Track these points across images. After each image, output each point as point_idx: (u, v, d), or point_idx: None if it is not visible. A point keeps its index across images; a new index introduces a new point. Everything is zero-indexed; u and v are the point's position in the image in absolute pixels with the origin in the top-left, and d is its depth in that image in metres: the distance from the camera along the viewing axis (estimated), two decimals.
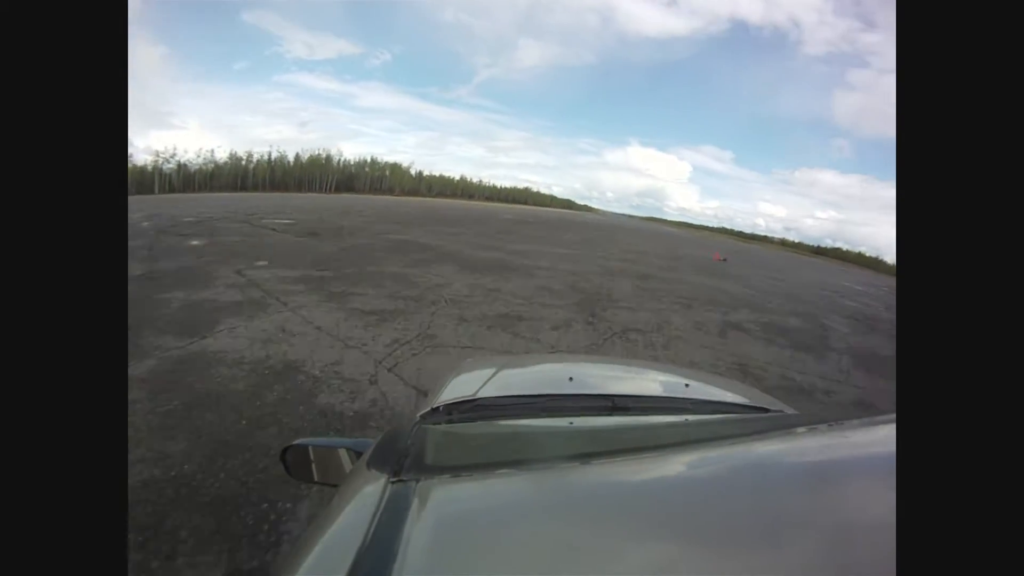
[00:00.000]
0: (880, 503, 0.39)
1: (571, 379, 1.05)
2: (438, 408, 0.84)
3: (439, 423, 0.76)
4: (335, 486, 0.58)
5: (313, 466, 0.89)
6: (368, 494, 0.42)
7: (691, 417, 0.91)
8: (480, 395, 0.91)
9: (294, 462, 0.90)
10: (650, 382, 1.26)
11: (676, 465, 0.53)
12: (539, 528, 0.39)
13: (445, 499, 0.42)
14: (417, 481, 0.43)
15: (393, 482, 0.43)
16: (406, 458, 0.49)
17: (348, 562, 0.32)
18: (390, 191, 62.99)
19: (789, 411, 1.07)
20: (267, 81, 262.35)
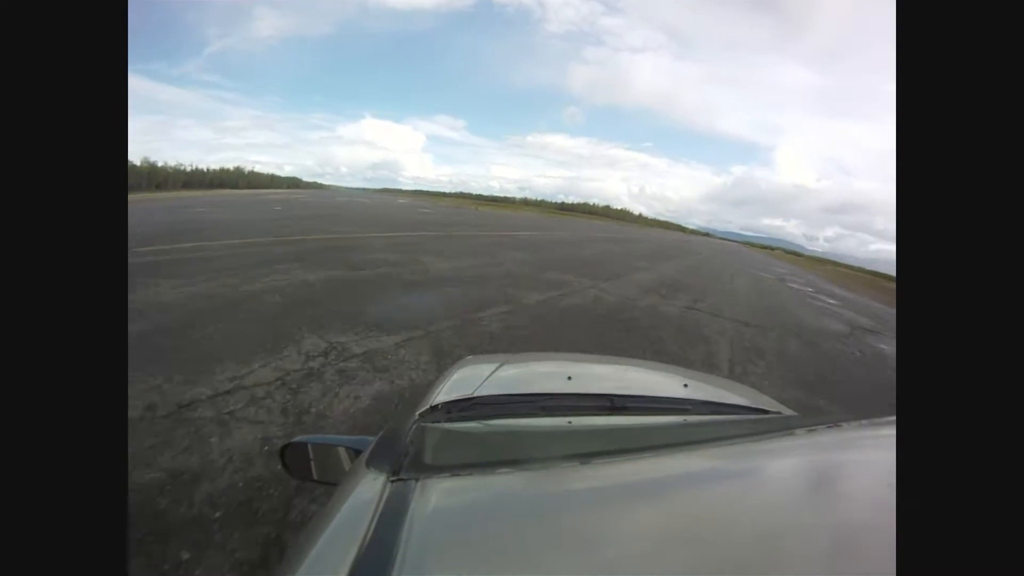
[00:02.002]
0: (880, 505, 0.39)
1: (570, 378, 1.05)
2: (437, 407, 0.84)
3: (438, 422, 0.76)
4: (334, 484, 0.58)
5: (312, 464, 0.89)
6: (367, 493, 0.42)
7: (690, 417, 0.91)
8: (479, 394, 0.91)
9: (293, 460, 0.90)
10: (649, 382, 1.26)
11: (674, 465, 0.53)
12: (538, 527, 0.39)
13: (445, 498, 0.42)
14: (416, 480, 0.43)
15: (392, 481, 0.43)
16: (405, 457, 0.49)
17: (348, 561, 0.32)
18: None
19: (788, 412, 1.07)
20: None
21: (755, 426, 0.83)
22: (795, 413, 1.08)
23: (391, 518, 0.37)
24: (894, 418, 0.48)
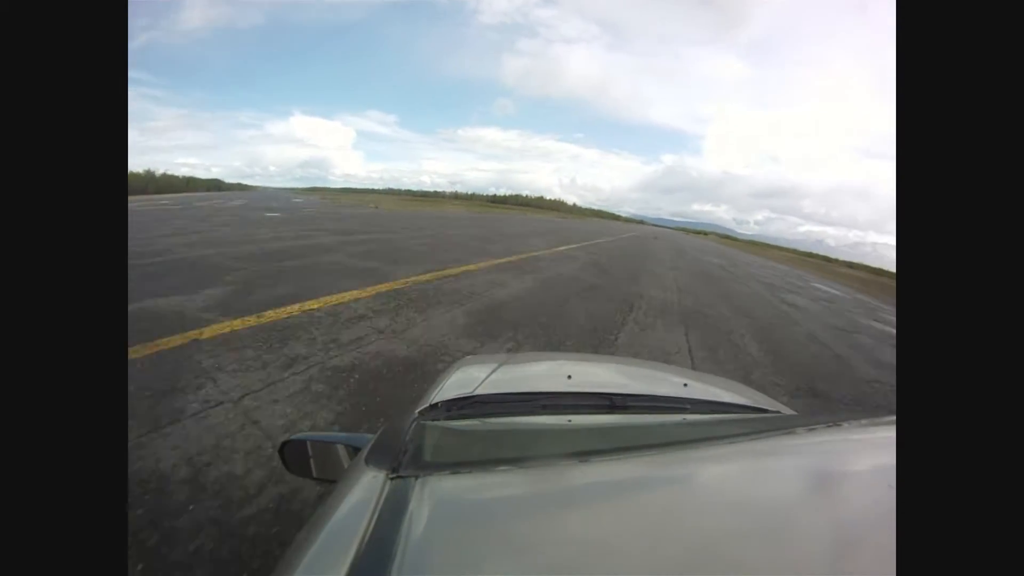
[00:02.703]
0: (880, 504, 0.39)
1: (570, 377, 1.05)
2: (437, 405, 0.84)
3: (437, 419, 0.76)
4: (333, 482, 0.58)
5: (311, 461, 0.89)
6: (367, 490, 0.42)
7: (689, 417, 0.91)
8: (479, 392, 0.91)
9: (292, 457, 0.90)
10: (649, 381, 1.26)
11: (673, 464, 0.53)
12: (536, 525, 0.39)
13: (444, 495, 0.42)
14: (416, 477, 0.43)
15: (391, 478, 0.43)
16: (404, 454, 0.49)
17: (348, 558, 0.32)
18: None
19: (788, 411, 1.07)
20: None
21: (755, 425, 0.83)
22: (795, 412, 1.08)
23: (390, 515, 0.37)
24: (894, 418, 0.48)
